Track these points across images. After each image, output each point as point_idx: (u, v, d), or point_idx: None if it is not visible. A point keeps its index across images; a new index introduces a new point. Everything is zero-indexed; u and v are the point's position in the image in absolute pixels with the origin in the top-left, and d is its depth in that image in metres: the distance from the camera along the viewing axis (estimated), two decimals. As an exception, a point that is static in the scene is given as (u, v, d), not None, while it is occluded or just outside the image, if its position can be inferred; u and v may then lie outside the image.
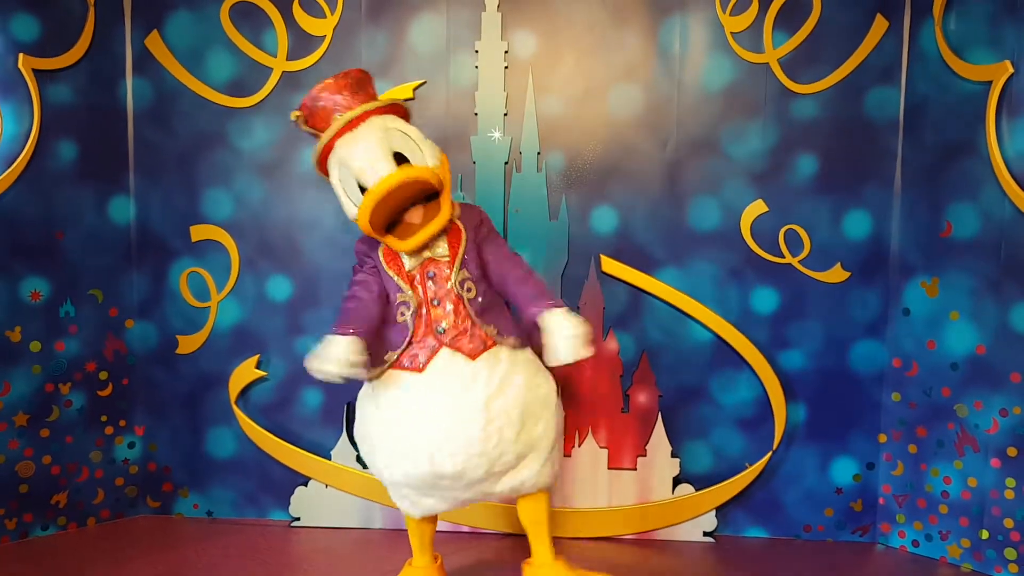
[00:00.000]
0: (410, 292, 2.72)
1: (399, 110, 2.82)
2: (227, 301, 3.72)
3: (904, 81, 3.47)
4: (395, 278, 2.74)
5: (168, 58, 3.64)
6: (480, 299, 2.73)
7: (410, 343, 2.71)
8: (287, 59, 3.62)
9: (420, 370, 2.69)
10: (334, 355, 2.57)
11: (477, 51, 3.57)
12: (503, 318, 2.78)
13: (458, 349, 2.67)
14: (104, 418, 3.70)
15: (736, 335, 3.57)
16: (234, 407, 3.73)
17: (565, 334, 2.59)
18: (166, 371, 3.77)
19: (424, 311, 2.72)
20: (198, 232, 3.69)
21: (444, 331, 2.69)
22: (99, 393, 3.67)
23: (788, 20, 3.47)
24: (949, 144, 3.33)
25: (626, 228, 3.58)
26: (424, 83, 3.60)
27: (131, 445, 3.78)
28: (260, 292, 3.71)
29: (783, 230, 3.54)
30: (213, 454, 3.79)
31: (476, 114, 3.58)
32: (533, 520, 2.87)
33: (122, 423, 3.76)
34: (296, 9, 3.59)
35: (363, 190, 2.59)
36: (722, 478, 3.64)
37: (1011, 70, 3.13)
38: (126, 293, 3.73)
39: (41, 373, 3.50)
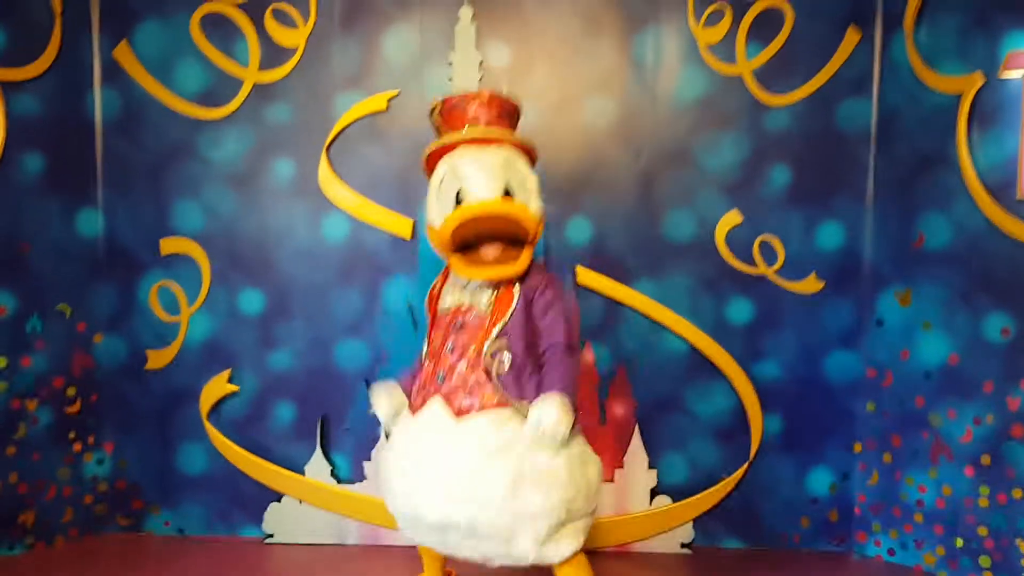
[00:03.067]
0: (430, 337, 2.72)
1: (530, 155, 2.78)
2: (198, 315, 3.66)
3: (876, 93, 3.49)
4: (427, 317, 2.76)
5: (137, 68, 3.59)
6: (515, 371, 2.57)
7: (421, 383, 2.68)
8: (259, 70, 3.58)
9: (413, 412, 2.67)
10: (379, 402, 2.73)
11: (451, 62, 3.55)
12: (531, 385, 2.58)
13: (448, 402, 2.57)
14: (72, 435, 3.63)
15: (712, 345, 3.57)
16: (205, 422, 3.67)
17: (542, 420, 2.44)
18: (136, 386, 3.71)
19: (436, 354, 2.66)
20: (168, 245, 3.64)
21: (442, 380, 2.61)
22: (67, 409, 3.60)
23: (761, 32, 3.49)
24: (921, 155, 3.36)
25: (601, 239, 3.57)
26: (398, 94, 3.57)
27: (100, 462, 3.71)
28: (231, 305, 3.66)
29: (758, 241, 3.55)
30: (184, 470, 3.72)
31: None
32: None
33: (91, 440, 3.68)
34: (268, 19, 3.55)
35: (459, 204, 2.57)
36: (699, 489, 3.63)
37: (982, 81, 3.16)
38: (94, 307, 3.67)
39: (7, 390, 3.42)
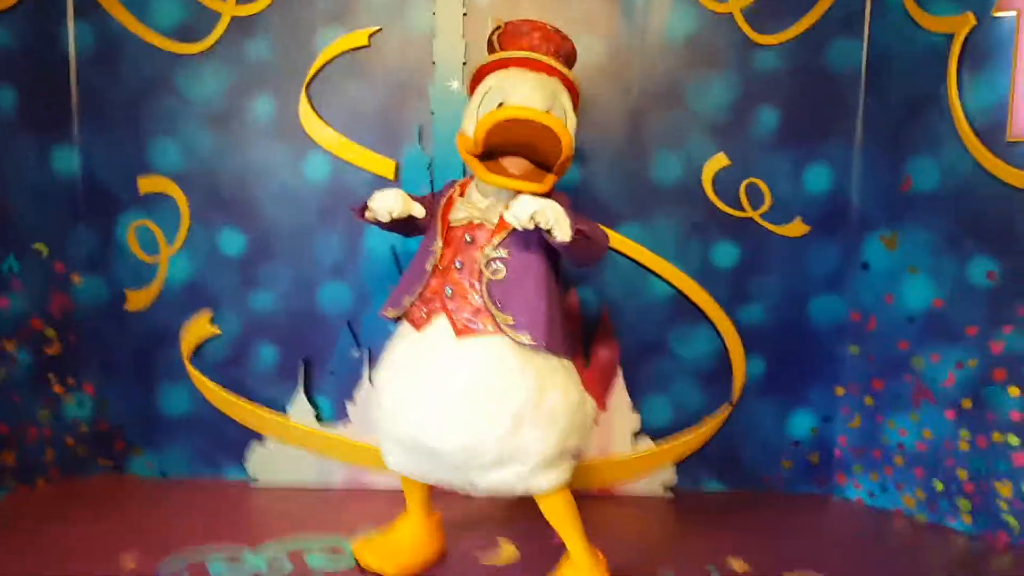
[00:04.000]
0: (439, 244, 2.64)
1: (575, 95, 2.75)
2: (178, 255, 3.61)
3: (867, 33, 3.44)
4: (438, 224, 2.67)
5: (111, 1, 3.48)
6: (507, 283, 2.54)
7: (423, 294, 2.64)
8: (237, 3, 3.47)
9: (418, 328, 2.63)
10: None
11: (435, -2, 3.47)
12: (532, 311, 2.52)
13: (452, 321, 2.56)
14: (52, 376, 3.59)
15: (696, 289, 3.56)
16: (187, 364, 3.64)
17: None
18: (116, 327, 3.66)
19: (445, 269, 2.62)
20: (146, 184, 3.56)
21: (450, 296, 2.58)
22: (46, 350, 3.56)
23: (752, -31, 3.42)
24: (911, 97, 3.32)
25: (588, 181, 3.52)
26: (379, 30, 3.48)
27: (81, 403, 3.68)
28: (212, 246, 3.60)
29: (744, 184, 3.51)
30: (166, 412, 3.70)
31: (434, 63, 3.48)
32: (552, 520, 2.70)
33: (71, 381, 3.65)
34: (246, -50, 3.45)
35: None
36: (682, 431, 3.64)
37: (973, 22, 3.12)
38: (72, 247, 3.60)
39: (-17, 330, 3.38)
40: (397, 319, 2.74)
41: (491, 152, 2.54)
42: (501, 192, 2.59)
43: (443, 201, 2.73)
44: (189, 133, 3.54)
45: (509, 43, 2.73)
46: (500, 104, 2.55)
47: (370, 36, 3.48)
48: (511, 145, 2.52)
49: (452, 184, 2.81)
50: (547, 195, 2.52)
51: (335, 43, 3.47)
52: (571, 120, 2.66)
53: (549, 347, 2.52)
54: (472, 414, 2.47)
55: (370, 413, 3.29)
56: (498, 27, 2.77)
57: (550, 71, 2.66)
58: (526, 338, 2.50)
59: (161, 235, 3.59)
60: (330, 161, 3.53)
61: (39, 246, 3.51)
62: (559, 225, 2.37)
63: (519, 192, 2.50)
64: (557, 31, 2.74)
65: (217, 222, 3.59)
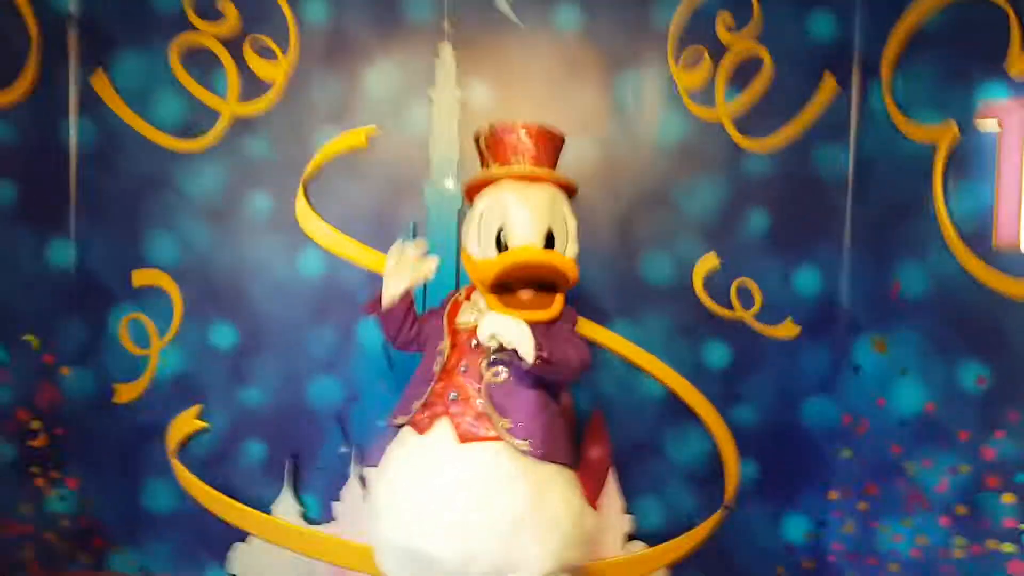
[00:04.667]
0: (447, 345, 2.67)
1: (571, 192, 2.84)
2: (168, 349, 3.60)
3: (853, 140, 3.51)
4: (445, 326, 2.71)
5: (113, 98, 3.55)
6: (507, 388, 2.58)
7: (429, 400, 2.64)
8: (237, 102, 3.55)
9: (420, 432, 2.62)
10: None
11: (431, 99, 3.54)
12: (531, 419, 2.56)
13: (455, 425, 2.56)
14: (36, 469, 3.53)
15: (688, 389, 3.55)
16: (172, 459, 3.59)
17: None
18: (103, 421, 3.61)
19: (450, 371, 2.65)
20: (140, 277, 3.57)
21: (454, 399, 2.60)
22: (31, 443, 3.51)
23: (740, 77, 3.51)
24: (897, 203, 3.37)
25: (580, 279, 3.53)
26: (376, 130, 3.55)
27: (63, 498, 3.61)
28: (203, 340, 3.59)
29: (735, 284, 3.54)
30: (150, 508, 3.63)
31: (429, 162, 3.54)
32: None
33: (54, 475, 3.58)
34: (247, 52, 3.52)
35: (499, 245, 2.60)
36: (674, 535, 3.58)
37: (956, 131, 3.19)
38: (63, 339, 3.58)
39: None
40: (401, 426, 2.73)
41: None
42: None
43: (448, 306, 2.79)
44: (186, 228, 3.57)
45: (498, 150, 2.77)
46: (500, 229, 2.61)
47: (367, 136, 3.54)
48: (522, 282, 2.61)
49: (454, 293, 2.88)
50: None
51: (333, 142, 3.53)
52: (571, 227, 2.73)
53: (546, 455, 2.53)
54: (468, 521, 2.44)
55: (360, 512, 3.28)
56: (479, 134, 2.82)
57: (544, 179, 2.72)
58: (524, 445, 2.50)
59: (153, 328, 3.58)
60: (324, 257, 3.55)
61: (29, 337, 3.50)
62: (521, 347, 2.42)
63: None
64: (544, 130, 2.78)
65: (209, 316, 3.59)
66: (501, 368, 2.59)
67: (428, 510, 2.48)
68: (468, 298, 2.81)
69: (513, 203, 2.63)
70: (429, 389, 2.65)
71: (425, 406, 2.64)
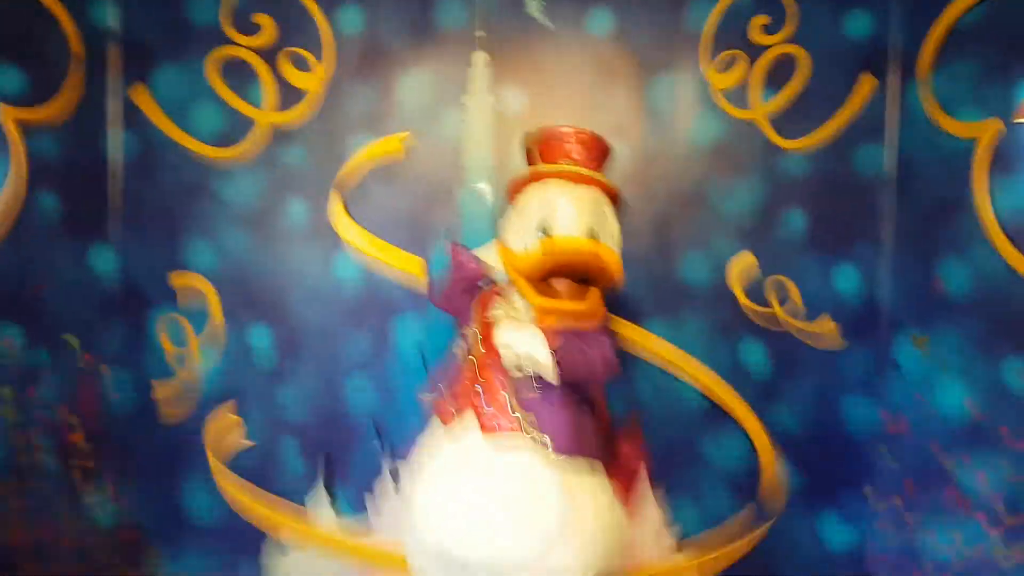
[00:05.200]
0: (474, 331, 2.71)
1: (616, 200, 2.82)
2: (205, 352, 3.63)
3: (892, 138, 3.48)
4: (477, 314, 2.73)
5: (154, 110, 3.61)
6: (536, 395, 2.59)
7: (453, 388, 2.67)
8: (274, 112, 3.59)
9: (445, 422, 2.66)
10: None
11: (465, 105, 3.56)
12: (557, 418, 2.58)
13: (479, 416, 2.59)
14: (77, 474, 3.56)
15: (727, 391, 3.52)
16: (211, 461, 3.61)
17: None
18: (143, 424, 3.65)
19: (480, 366, 2.66)
20: (179, 281, 3.62)
21: (479, 392, 2.62)
22: (72, 448, 3.54)
23: (775, 77, 3.49)
24: (938, 201, 3.33)
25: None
26: (411, 137, 3.58)
27: (104, 503, 3.64)
28: (241, 344, 3.63)
29: (772, 285, 3.51)
30: (190, 513, 3.66)
31: (463, 167, 3.56)
32: None
33: (96, 482, 3.62)
34: (282, 63, 3.57)
35: (541, 234, 2.58)
36: (714, 543, 3.54)
37: (1000, 127, 3.14)
38: (104, 343, 3.62)
39: (13, 426, 3.37)
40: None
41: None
42: None
43: (479, 296, 2.79)
44: (224, 235, 3.62)
45: (547, 150, 2.78)
46: (543, 228, 2.59)
47: (402, 142, 3.57)
48: (560, 272, 2.60)
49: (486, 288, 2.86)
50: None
51: (368, 149, 3.56)
52: (614, 230, 2.72)
53: (574, 453, 2.55)
54: (503, 528, 2.45)
55: (396, 517, 3.27)
56: (530, 136, 2.85)
57: (590, 181, 2.70)
58: (550, 444, 2.52)
59: (192, 332, 3.62)
60: (360, 262, 3.58)
61: (69, 337, 3.54)
62: (544, 371, 2.48)
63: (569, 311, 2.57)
64: (594, 136, 2.80)
65: (247, 320, 3.63)
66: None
67: (461, 516, 2.50)
68: (500, 292, 2.79)
69: (559, 196, 2.63)
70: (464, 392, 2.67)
71: (452, 396, 2.65)
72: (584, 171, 2.72)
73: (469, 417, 2.59)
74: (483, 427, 2.55)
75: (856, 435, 3.53)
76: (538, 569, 2.45)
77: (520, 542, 2.44)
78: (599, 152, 2.82)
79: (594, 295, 2.64)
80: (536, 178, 2.75)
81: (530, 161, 2.88)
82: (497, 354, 2.60)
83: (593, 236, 2.62)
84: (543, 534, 2.44)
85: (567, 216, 2.59)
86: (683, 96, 3.54)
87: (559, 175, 2.71)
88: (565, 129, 2.79)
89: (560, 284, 2.62)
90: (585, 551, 2.48)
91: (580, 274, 2.61)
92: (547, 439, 2.52)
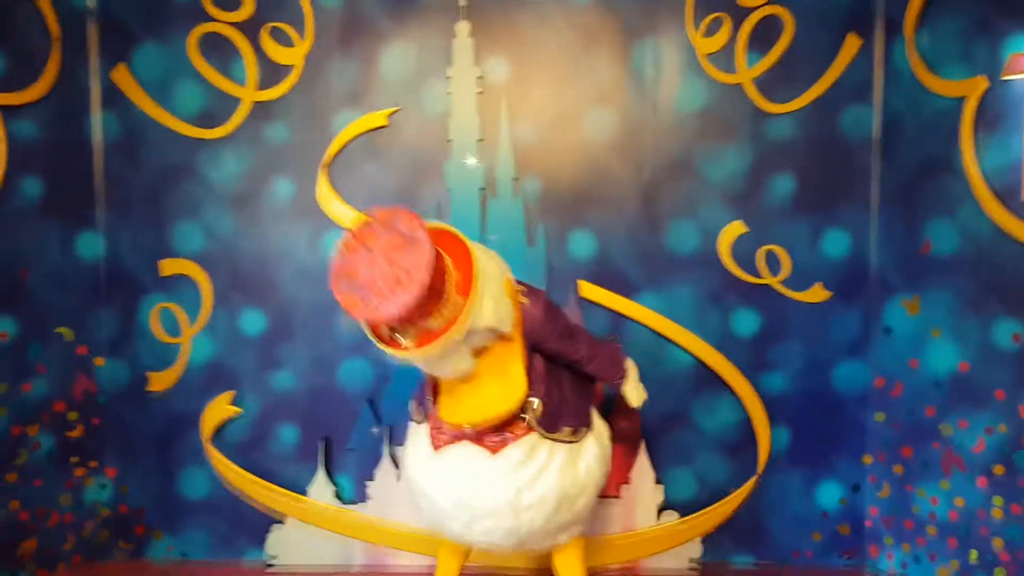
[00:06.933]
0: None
1: (441, 286, 2.42)
2: (199, 337, 3.63)
3: (878, 99, 3.46)
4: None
5: (135, 91, 3.58)
6: (548, 408, 2.64)
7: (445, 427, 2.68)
8: (256, 89, 3.56)
9: (436, 448, 2.69)
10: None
11: (449, 77, 3.53)
12: (562, 413, 2.69)
13: (480, 444, 2.62)
14: (74, 460, 3.59)
15: (718, 358, 3.53)
16: (207, 445, 3.63)
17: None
18: (137, 410, 3.66)
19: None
20: (168, 267, 3.61)
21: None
22: (68, 434, 3.56)
23: (761, 40, 3.46)
24: (925, 161, 3.32)
25: (604, 252, 3.53)
26: (397, 111, 3.55)
27: (102, 487, 3.67)
28: (233, 327, 3.63)
29: (762, 251, 3.50)
30: (187, 494, 3.68)
31: (450, 140, 3.54)
32: (566, 570, 2.86)
33: (93, 464, 3.64)
34: (264, 38, 3.53)
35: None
36: (707, 504, 3.57)
37: (986, 85, 3.12)
38: (95, 331, 3.63)
39: (7, 415, 3.39)
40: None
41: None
42: None
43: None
44: (211, 216, 3.60)
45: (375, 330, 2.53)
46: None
47: (387, 117, 3.54)
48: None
49: None
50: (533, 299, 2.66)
51: (353, 124, 3.53)
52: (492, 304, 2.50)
53: (576, 431, 2.70)
54: (526, 515, 2.59)
55: (393, 492, 3.41)
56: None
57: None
58: (551, 431, 2.64)
59: (184, 316, 3.62)
60: (348, 239, 3.56)
61: (62, 330, 3.54)
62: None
63: None
64: (381, 297, 2.31)
65: (238, 303, 3.62)
66: (535, 402, 2.63)
67: (477, 512, 2.61)
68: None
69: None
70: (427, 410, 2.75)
71: (439, 430, 2.70)
72: (398, 349, 2.45)
73: (467, 444, 2.65)
74: (491, 450, 2.61)
75: (848, 398, 3.55)
76: (552, 532, 2.66)
77: (532, 526, 2.60)
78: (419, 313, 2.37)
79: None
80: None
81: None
82: None
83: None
84: (552, 510, 2.60)
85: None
86: (668, 61, 3.51)
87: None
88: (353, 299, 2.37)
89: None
90: (589, 495, 2.71)
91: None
92: (550, 428, 2.63)
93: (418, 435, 2.79)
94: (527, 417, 2.59)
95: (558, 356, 2.71)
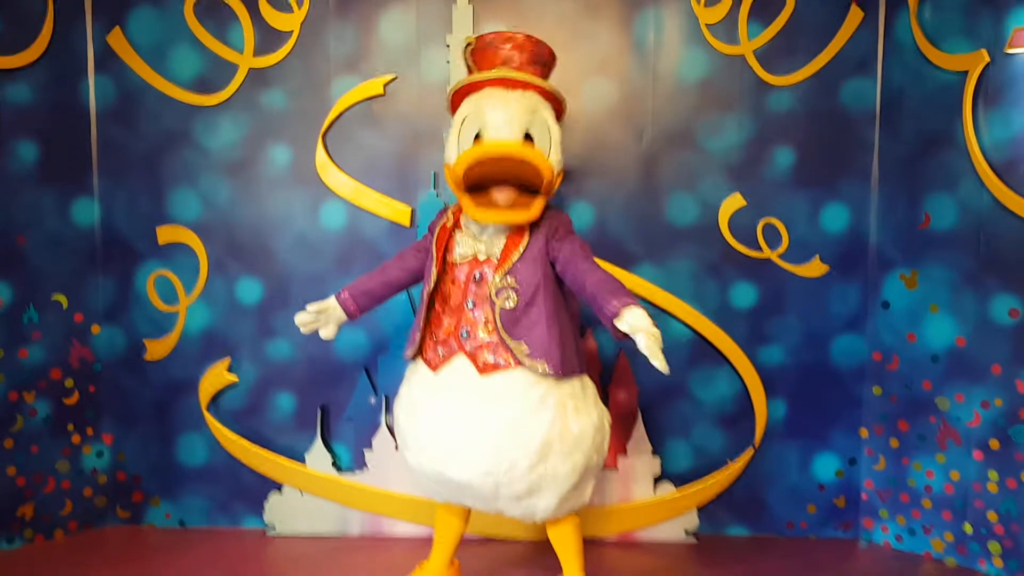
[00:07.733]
0: (434, 282, 2.67)
1: (558, 106, 2.76)
2: (196, 305, 3.62)
3: (880, 72, 3.44)
4: (434, 254, 2.68)
5: (131, 55, 3.54)
6: (518, 312, 2.56)
7: (435, 334, 2.67)
8: (254, 55, 3.52)
9: (434, 369, 2.65)
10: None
11: (448, 45, 3.50)
12: (545, 339, 2.55)
13: (473, 360, 2.59)
14: (71, 427, 3.59)
15: (715, 331, 3.53)
16: (205, 413, 3.63)
17: (647, 332, 2.32)
18: (134, 377, 3.66)
19: (457, 308, 2.65)
20: (165, 234, 3.59)
21: (466, 337, 2.61)
22: (65, 401, 3.56)
23: (763, 11, 3.43)
24: (926, 135, 3.31)
25: (603, 223, 3.52)
26: (395, 78, 3.52)
27: (99, 454, 3.67)
28: (230, 295, 3.61)
29: (761, 224, 3.50)
30: (184, 462, 3.68)
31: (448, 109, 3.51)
32: (559, 544, 2.81)
33: (89, 431, 3.64)
34: (262, 3, 3.49)
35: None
36: (703, 476, 3.59)
37: (987, 59, 3.11)
38: (91, 298, 3.62)
39: (4, 383, 3.39)
40: (414, 357, 2.77)
41: (476, 185, 2.55)
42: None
43: (437, 231, 2.74)
44: (207, 183, 3.57)
45: (482, 60, 2.73)
46: (477, 135, 2.57)
47: (385, 85, 3.51)
48: (493, 179, 2.53)
49: (444, 211, 2.83)
50: (543, 214, 2.60)
51: (351, 92, 3.50)
52: (554, 134, 2.65)
53: (565, 372, 2.57)
54: (499, 449, 2.49)
55: (391, 460, 3.34)
56: (468, 44, 2.79)
57: (526, 86, 2.65)
58: (542, 367, 2.53)
59: (180, 285, 3.60)
60: (346, 208, 3.54)
61: (59, 297, 3.53)
62: (655, 359, 2.34)
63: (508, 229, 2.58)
64: (530, 39, 2.73)
65: (235, 271, 3.60)
66: (510, 292, 2.57)
67: (456, 443, 2.55)
68: (457, 223, 2.75)
69: (490, 104, 2.58)
70: (424, 318, 2.69)
71: (436, 343, 2.67)
72: (518, 75, 2.66)
73: (460, 361, 2.61)
74: (479, 369, 2.58)
75: (846, 372, 3.56)
76: (534, 482, 2.53)
77: (515, 462, 2.50)
78: (538, 56, 2.74)
79: (537, 204, 2.56)
80: (473, 88, 2.70)
81: (469, 71, 2.82)
82: (476, 296, 2.62)
83: (530, 139, 2.58)
84: (537, 452, 2.50)
85: (497, 121, 2.55)
86: (670, 30, 3.48)
87: (493, 83, 2.66)
88: (499, 34, 2.73)
89: (501, 195, 2.55)
90: (576, 457, 2.56)
91: (512, 179, 2.53)
92: (543, 362, 2.53)
93: (414, 372, 2.76)
94: (495, 303, 2.57)
95: (568, 259, 2.57)
